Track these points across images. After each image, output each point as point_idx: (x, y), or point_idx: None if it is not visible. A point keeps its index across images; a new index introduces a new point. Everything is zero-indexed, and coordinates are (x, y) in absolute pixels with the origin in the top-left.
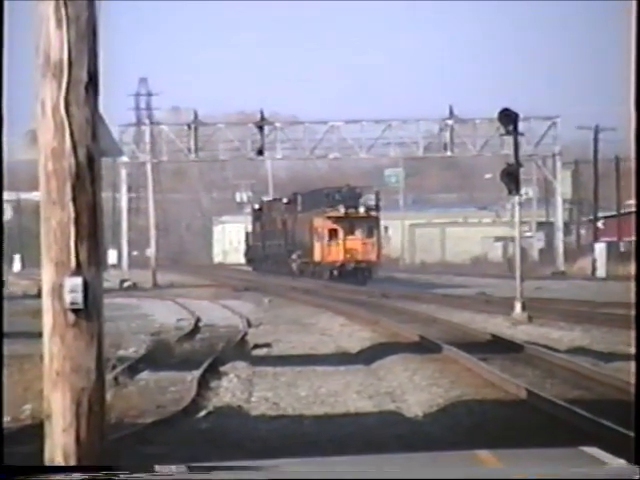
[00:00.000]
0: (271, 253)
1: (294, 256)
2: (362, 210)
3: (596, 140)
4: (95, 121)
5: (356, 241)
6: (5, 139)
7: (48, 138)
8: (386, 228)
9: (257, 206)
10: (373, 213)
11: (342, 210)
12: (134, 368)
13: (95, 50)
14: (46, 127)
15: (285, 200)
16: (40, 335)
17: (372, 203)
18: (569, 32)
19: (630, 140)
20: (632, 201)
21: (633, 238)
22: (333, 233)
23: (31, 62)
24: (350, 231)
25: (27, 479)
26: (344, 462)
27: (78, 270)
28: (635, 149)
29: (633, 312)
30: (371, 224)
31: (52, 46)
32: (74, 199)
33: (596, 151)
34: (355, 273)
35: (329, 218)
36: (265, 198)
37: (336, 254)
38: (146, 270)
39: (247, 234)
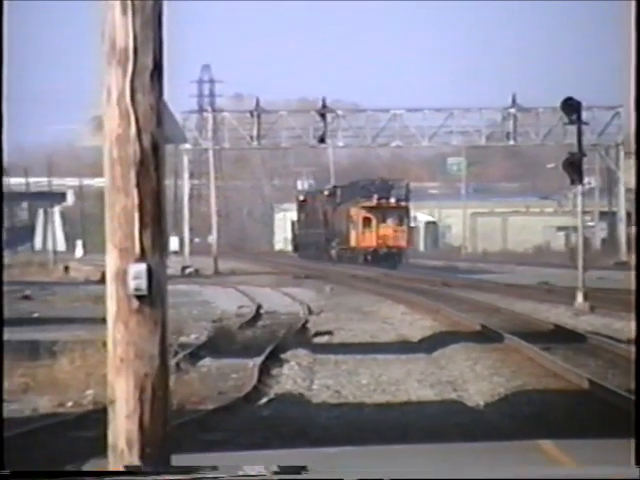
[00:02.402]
0: (313, 241)
1: (333, 243)
2: (393, 200)
3: None
4: (160, 108)
5: (388, 228)
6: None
7: (113, 125)
8: (413, 218)
9: (301, 198)
10: (403, 203)
11: (375, 200)
12: (196, 355)
13: (160, 37)
14: (111, 114)
15: (326, 192)
16: (102, 321)
17: (402, 194)
18: (628, 17)
19: None
20: None
21: None
22: (367, 221)
23: (96, 49)
24: (382, 219)
25: None
26: (405, 451)
27: (142, 256)
28: (635, 149)
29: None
30: (401, 213)
31: (118, 33)
32: (138, 185)
33: None
34: (387, 257)
35: (363, 208)
36: (316, 188)
37: (370, 240)
38: (207, 257)
39: (293, 223)
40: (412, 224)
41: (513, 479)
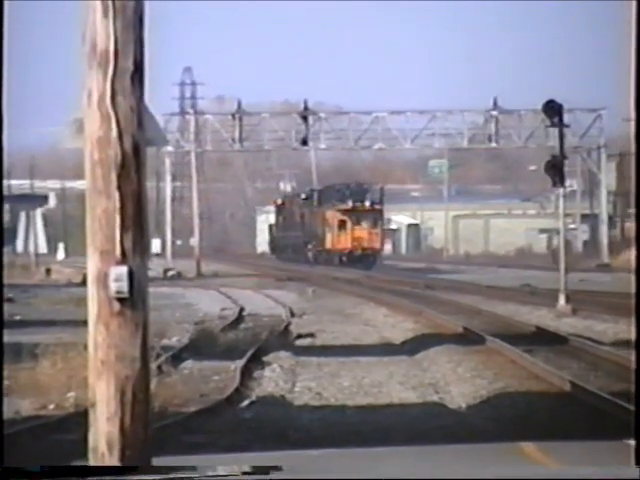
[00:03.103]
0: (291, 243)
1: (310, 246)
2: (367, 204)
3: None
4: (140, 110)
5: (362, 231)
6: (51, 129)
7: (94, 127)
8: (387, 220)
9: (279, 201)
10: (377, 206)
11: (350, 204)
12: (178, 357)
13: (141, 39)
14: (92, 116)
15: (303, 196)
16: (84, 323)
17: (377, 197)
18: (612, 22)
19: None
20: None
21: None
22: (342, 224)
23: (77, 52)
24: (357, 222)
25: None
26: (387, 453)
27: (123, 259)
28: (635, 149)
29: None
30: (375, 216)
31: (98, 36)
32: (119, 188)
33: None
34: (361, 259)
35: (339, 211)
36: (294, 192)
37: (345, 242)
38: (190, 259)
39: (271, 226)
40: (386, 226)
41: (510, 478)
